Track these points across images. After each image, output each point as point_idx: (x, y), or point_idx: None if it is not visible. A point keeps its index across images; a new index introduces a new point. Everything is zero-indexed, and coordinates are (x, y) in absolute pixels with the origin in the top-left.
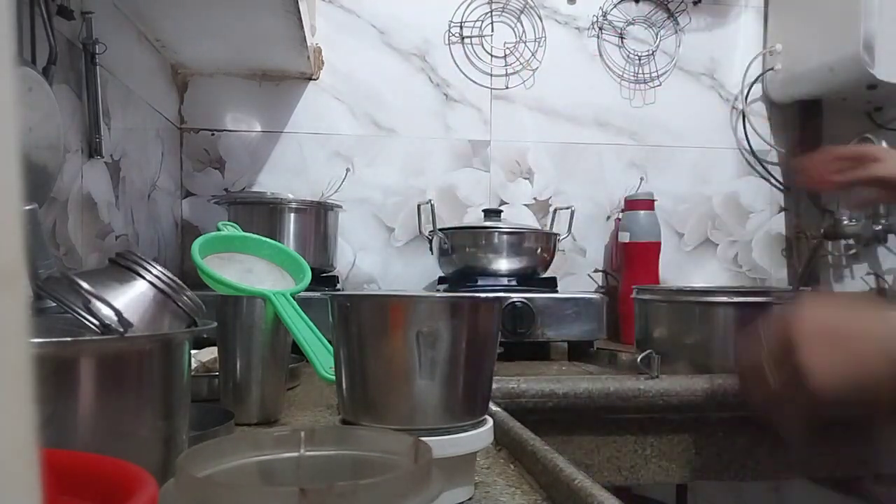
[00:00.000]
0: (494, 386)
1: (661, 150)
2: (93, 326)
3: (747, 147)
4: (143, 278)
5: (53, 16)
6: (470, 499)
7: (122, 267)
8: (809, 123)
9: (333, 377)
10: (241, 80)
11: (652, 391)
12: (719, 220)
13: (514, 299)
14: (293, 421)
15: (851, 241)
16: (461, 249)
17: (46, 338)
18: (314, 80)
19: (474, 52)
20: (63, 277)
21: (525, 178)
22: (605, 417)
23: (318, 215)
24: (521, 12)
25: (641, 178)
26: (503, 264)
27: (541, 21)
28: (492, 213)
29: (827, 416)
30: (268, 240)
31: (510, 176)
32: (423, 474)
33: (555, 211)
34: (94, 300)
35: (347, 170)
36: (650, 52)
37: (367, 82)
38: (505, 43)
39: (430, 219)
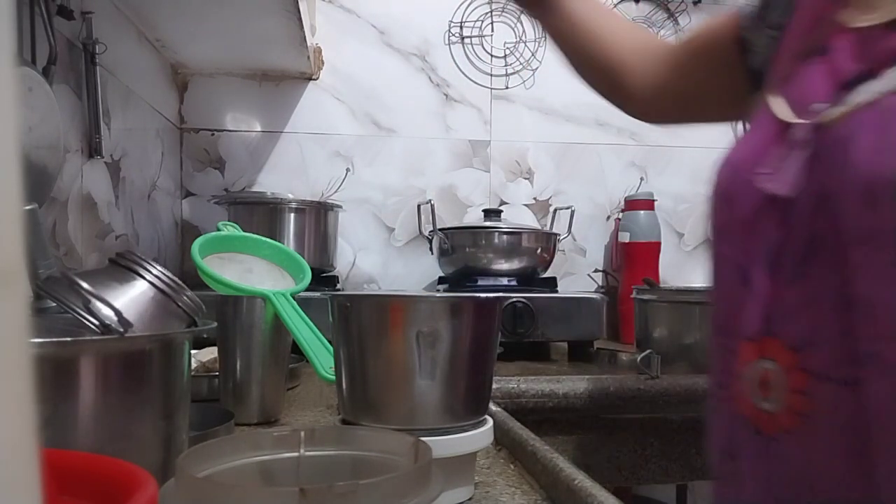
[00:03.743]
0: (494, 386)
1: (661, 150)
2: (93, 326)
3: None
4: (143, 278)
5: (53, 16)
6: (470, 499)
7: (122, 267)
8: None
9: (333, 377)
10: (241, 80)
11: (652, 391)
12: None
13: (514, 299)
14: (293, 421)
15: None
16: (461, 249)
17: (46, 338)
18: (314, 80)
19: (474, 52)
20: (63, 277)
21: (525, 178)
22: (605, 417)
23: (318, 215)
24: (522, 12)
25: (641, 178)
26: (503, 264)
27: None
28: (492, 213)
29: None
30: (268, 240)
31: (510, 176)
32: (423, 474)
33: (555, 211)
34: (94, 300)
35: (347, 170)
36: None
37: (367, 82)
38: (505, 43)
39: (430, 219)
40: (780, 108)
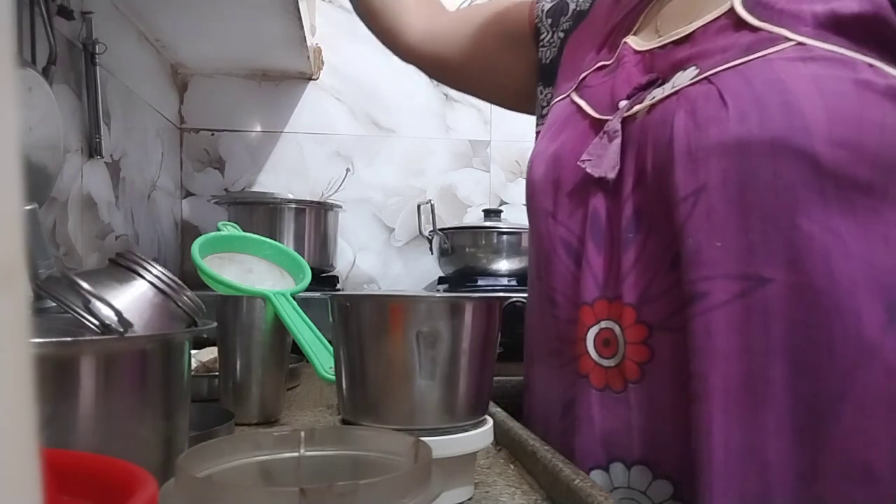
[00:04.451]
0: (494, 386)
1: None
2: (93, 326)
3: None
4: (143, 278)
5: (53, 16)
6: (470, 499)
7: (122, 267)
8: None
9: (333, 377)
10: (241, 80)
11: None
12: None
13: (514, 299)
14: (293, 421)
15: None
16: (461, 249)
17: (46, 338)
18: (314, 80)
19: None
20: (63, 277)
21: (525, 178)
22: None
23: (318, 215)
24: None
25: None
26: (503, 264)
27: None
28: (492, 213)
29: None
30: (268, 240)
31: (510, 176)
32: (423, 474)
33: None
34: (94, 300)
35: (347, 170)
36: None
37: (367, 82)
38: None
39: (430, 219)
40: (589, 108)
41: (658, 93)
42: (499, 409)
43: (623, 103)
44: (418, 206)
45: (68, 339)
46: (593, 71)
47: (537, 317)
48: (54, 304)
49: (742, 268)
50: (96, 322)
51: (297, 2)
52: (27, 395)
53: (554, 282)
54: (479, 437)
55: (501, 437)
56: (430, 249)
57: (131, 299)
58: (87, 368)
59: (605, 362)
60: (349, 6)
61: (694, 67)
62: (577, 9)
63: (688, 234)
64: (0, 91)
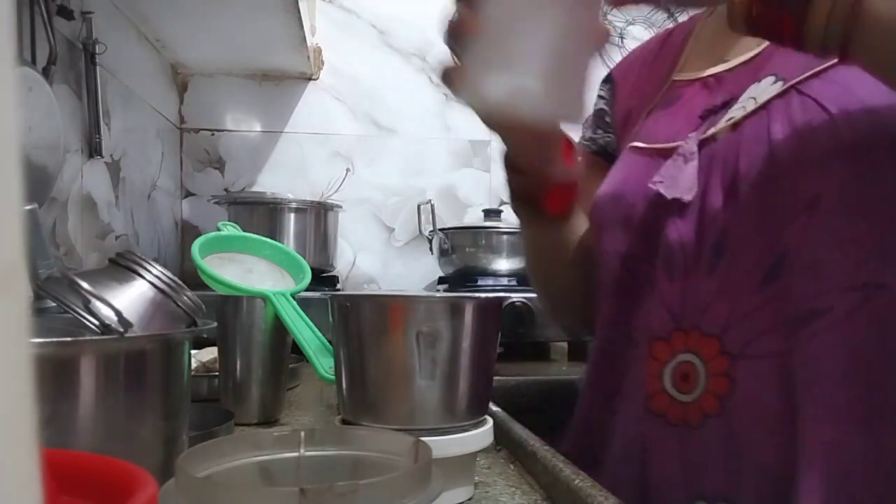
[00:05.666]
0: (494, 386)
1: None
2: (93, 326)
3: None
4: (143, 278)
5: (53, 16)
6: (470, 499)
7: (122, 267)
8: None
9: (333, 377)
10: (241, 80)
11: None
12: None
13: (514, 299)
14: (293, 421)
15: None
16: (461, 249)
17: (46, 338)
18: (314, 80)
19: None
20: (63, 277)
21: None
22: None
23: (318, 215)
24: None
25: None
26: (503, 264)
27: None
28: (492, 213)
29: None
30: (268, 240)
31: None
32: (423, 474)
33: None
34: (94, 300)
35: (347, 170)
36: None
37: (367, 82)
38: None
39: (430, 219)
40: (644, 144)
41: (737, 112)
42: (499, 409)
43: (692, 134)
44: (418, 206)
45: (68, 339)
46: (645, 117)
47: (607, 359)
48: (54, 304)
49: (860, 277)
50: (96, 322)
51: (297, 2)
52: (27, 395)
53: (634, 320)
54: (479, 437)
55: (501, 437)
56: (430, 249)
57: (131, 299)
58: (87, 368)
59: (683, 397)
60: (349, 6)
61: (772, 77)
62: (605, 105)
63: (805, 247)
64: (0, 91)
